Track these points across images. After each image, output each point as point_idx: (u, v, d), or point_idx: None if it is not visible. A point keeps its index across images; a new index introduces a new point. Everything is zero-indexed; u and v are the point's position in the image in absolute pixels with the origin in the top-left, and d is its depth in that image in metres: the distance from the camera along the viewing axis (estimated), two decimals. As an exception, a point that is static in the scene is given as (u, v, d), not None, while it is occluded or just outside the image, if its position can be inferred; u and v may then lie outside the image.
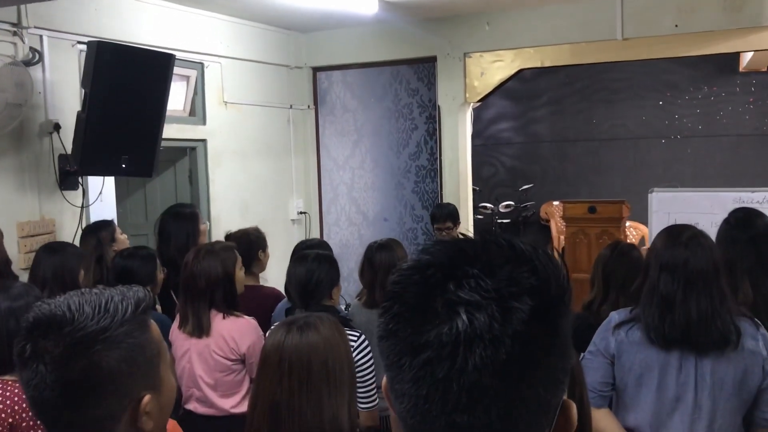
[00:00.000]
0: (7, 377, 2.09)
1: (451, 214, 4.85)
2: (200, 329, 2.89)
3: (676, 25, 5.18)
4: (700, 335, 2.11)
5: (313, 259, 2.91)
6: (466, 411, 0.68)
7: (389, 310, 0.73)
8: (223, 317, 2.94)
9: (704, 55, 6.12)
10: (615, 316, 2.32)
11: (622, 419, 2.28)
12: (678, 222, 4.93)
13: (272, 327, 2.84)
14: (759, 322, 2.20)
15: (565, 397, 0.75)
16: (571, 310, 0.75)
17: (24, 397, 1.98)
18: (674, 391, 2.17)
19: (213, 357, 2.92)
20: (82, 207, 4.26)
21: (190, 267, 2.93)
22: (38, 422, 1.96)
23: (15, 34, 3.94)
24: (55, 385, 1.02)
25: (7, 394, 2.04)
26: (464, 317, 0.67)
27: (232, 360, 2.93)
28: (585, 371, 2.30)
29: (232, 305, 2.99)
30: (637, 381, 2.22)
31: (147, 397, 1.09)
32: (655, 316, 2.17)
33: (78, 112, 3.98)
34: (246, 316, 3.02)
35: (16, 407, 2.01)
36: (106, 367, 1.03)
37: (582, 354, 2.32)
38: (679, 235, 2.22)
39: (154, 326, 1.15)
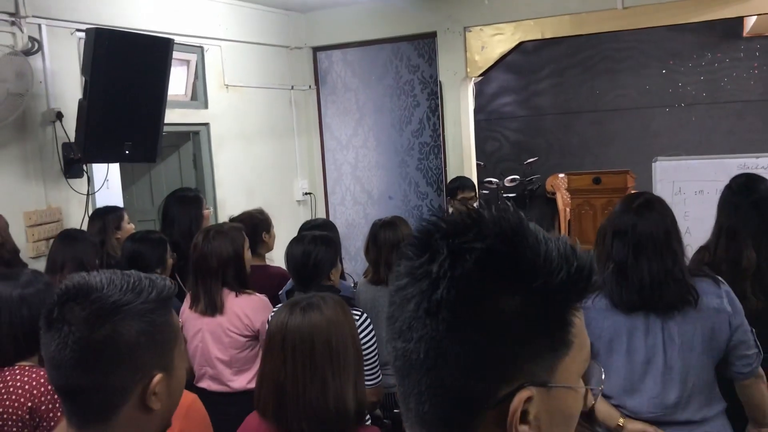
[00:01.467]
0: (24, 363, 2.13)
1: (472, 184, 4.99)
2: (213, 307, 2.94)
3: (677, -8, 5.14)
4: (655, 297, 2.16)
5: (310, 241, 2.93)
6: (402, 338, 0.74)
7: (403, 288, 0.77)
8: (236, 295, 2.99)
9: (707, 21, 6.06)
10: None
11: None
12: (683, 191, 4.95)
13: (275, 308, 2.89)
14: (721, 279, 2.24)
15: (528, 392, 0.71)
16: (514, 285, 0.72)
17: (42, 381, 2.03)
18: (644, 354, 2.21)
19: (227, 334, 2.96)
20: (88, 194, 4.29)
21: (200, 248, 2.97)
22: (57, 406, 2.02)
23: (13, 23, 3.94)
24: (75, 345, 1.06)
25: (26, 379, 2.08)
26: (435, 264, 0.72)
27: (246, 336, 2.97)
28: None
29: (243, 284, 3.04)
30: (607, 347, 2.25)
31: (158, 376, 1.12)
32: (612, 282, 2.21)
33: (80, 99, 3.99)
34: (258, 294, 3.06)
35: (35, 392, 2.05)
36: (126, 336, 1.08)
37: None
38: (630, 203, 2.27)
39: (174, 315, 1.19)
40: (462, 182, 5.05)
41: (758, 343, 2.23)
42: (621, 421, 2.24)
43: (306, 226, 3.79)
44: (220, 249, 2.97)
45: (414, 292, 0.73)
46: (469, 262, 0.71)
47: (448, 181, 5.76)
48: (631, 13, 5.34)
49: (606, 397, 2.29)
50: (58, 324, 1.08)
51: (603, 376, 0.84)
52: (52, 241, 3.98)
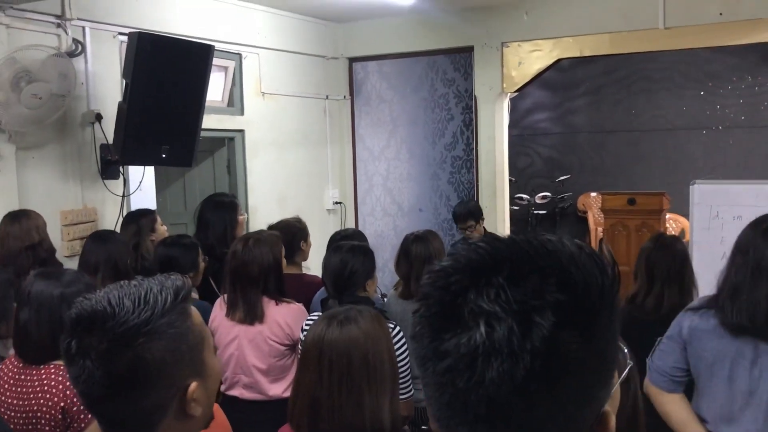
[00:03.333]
0: (60, 362, 2.13)
1: (471, 213, 4.81)
2: (254, 316, 2.93)
3: (721, 13, 5.06)
4: (767, 325, 2.04)
5: (347, 250, 2.91)
6: (486, 423, 0.66)
7: (418, 311, 0.72)
8: (276, 304, 2.99)
9: (748, 44, 5.97)
10: (696, 302, 2.29)
11: (697, 408, 2.23)
12: (720, 215, 4.86)
13: (311, 319, 2.87)
14: None
15: (607, 407, 0.72)
16: (615, 318, 0.70)
17: None
18: (747, 384, 2.10)
19: (267, 343, 2.96)
20: (123, 196, 4.33)
21: (240, 255, 2.97)
22: None
23: (59, 26, 4.01)
24: (102, 380, 1.03)
25: (60, 378, 2.08)
26: (482, 329, 0.64)
27: (286, 345, 2.97)
28: (660, 355, 2.26)
29: (282, 292, 3.03)
30: (709, 369, 2.16)
31: (194, 384, 1.10)
32: (726, 301, 2.11)
33: (119, 102, 4.04)
34: (296, 303, 3.06)
35: (68, 392, 2.05)
36: (150, 359, 1.04)
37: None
38: (760, 223, 2.16)
39: (195, 313, 1.15)
40: (455, 215, 4.90)
41: None
42: None
43: (336, 237, 3.78)
44: (261, 257, 2.96)
45: (483, 376, 0.65)
46: (544, 327, 0.64)
47: (480, 197, 5.74)
48: (672, 33, 5.27)
49: (702, 420, 2.21)
50: (78, 359, 1.04)
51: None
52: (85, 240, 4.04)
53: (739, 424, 2.12)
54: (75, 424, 2.04)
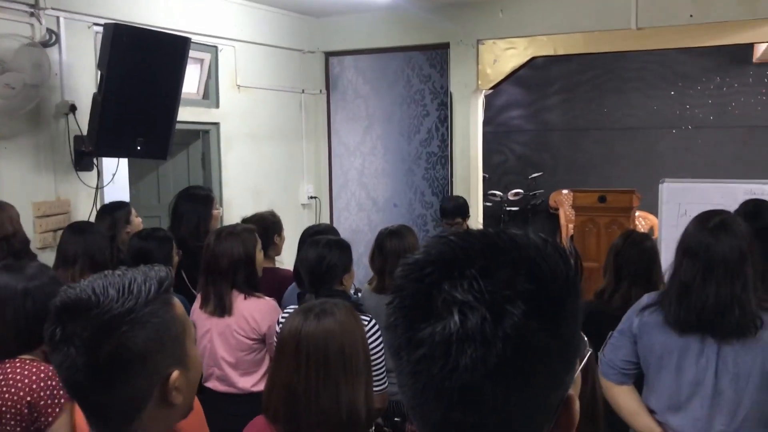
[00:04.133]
0: (25, 356, 2.12)
1: (459, 209, 4.86)
2: (222, 309, 2.94)
3: (691, 15, 5.16)
4: (715, 321, 2.10)
5: (325, 244, 2.92)
6: (460, 409, 0.69)
7: (392, 303, 0.74)
8: (245, 298, 3.00)
9: (717, 46, 6.10)
10: (645, 299, 2.34)
11: (646, 399, 2.31)
12: (688, 213, 4.97)
13: (287, 312, 2.89)
14: None
15: (570, 391, 0.75)
16: (578, 307, 0.74)
17: (42, 376, 2.02)
18: (693, 375, 2.16)
19: (235, 336, 2.97)
20: (97, 188, 4.30)
21: (212, 248, 2.98)
22: (56, 402, 2.01)
23: (32, 15, 3.96)
24: (85, 367, 1.04)
25: (26, 372, 2.07)
26: (456, 318, 0.67)
27: (253, 339, 2.98)
28: (610, 348, 2.33)
29: (253, 286, 3.04)
30: (657, 362, 2.23)
31: (176, 373, 1.11)
32: (673, 300, 2.17)
33: (94, 93, 4.01)
34: (266, 297, 3.07)
35: (34, 386, 2.04)
36: (134, 348, 1.06)
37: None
38: (706, 221, 2.20)
39: (177, 304, 1.17)
40: (443, 210, 4.94)
41: None
42: None
43: (308, 232, 3.80)
44: (231, 250, 2.97)
45: (457, 362, 0.68)
46: (515, 315, 0.68)
47: (454, 193, 5.80)
48: (644, 34, 5.37)
49: (651, 411, 2.28)
50: (62, 347, 1.06)
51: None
52: (58, 232, 4.00)
53: (686, 412, 2.19)
54: (42, 419, 2.03)
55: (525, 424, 0.71)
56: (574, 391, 0.77)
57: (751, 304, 2.09)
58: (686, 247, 2.19)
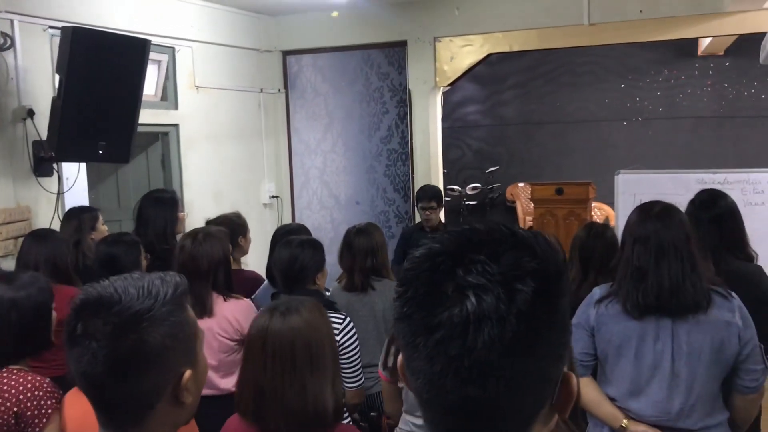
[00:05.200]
0: (12, 366, 2.11)
1: (435, 195, 5.00)
2: (203, 310, 2.91)
3: (641, 11, 5.33)
4: (672, 299, 2.22)
5: (297, 245, 2.94)
6: (477, 384, 0.74)
7: (404, 294, 0.79)
8: (224, 299, 2.99)
9: (665, 40, 6.29)
10: (597, 291, 2.43)
11: (605, 389, 2.40)
12: (643, 202, 5.13)
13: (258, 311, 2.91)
14: (734, 294, 2.30)
15: (565, 369, 0.82)
16: (568, 289, 0.82)
17: (29, 386, 2.01)
18: (652, 359, 2.27)
19: (217, 339, 2.96)
20: (58, 194, 4.24)
21: (189, 249, 2.95)
22: (43, 412, 2.01)
23: (-14, 19, 3.88)
24: (106, 360, 1.08)
25: (12, 383, 2.06)
26: (473, 299, 0.73)
27: (235, 341, 2.98)
28: None
29: (230, 287, 3.04)
30: (616, 352, 2.32)
31: (188, 372, 1.16)
32: (630, 286, 2.27)
33: (53, 98, 3.95)
34: (244, 298, 3.08)
35: (21, 396, 2.03)
36: (152, 343, 1.10)
37: None
38: (650, 210, 2.32)
39: (190, 309, 1.21)
40: (423, 192, 5.12)
41: (765, 359, 2.29)
42: (625, 422, 2.30)
43: (281, 231, 3.81)
44: (212, 251, 2.96)
45: (475, 341, 0.73)
46: (526, 292, 0.74)
47: (417, 188, 5.86)
48: (596, 29, 5.51)
49: (611, 399, 2.36)
50: (83, 341, 1.09)
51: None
52: (19, 240, 3.93)
53: (646, 395, 2.29)
54: (29, 429, 2.02)
55: (534, 397, 0.78)
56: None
57: (702, 282, 2.23)
58: (636, 235, 2.30)
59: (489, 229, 0.80)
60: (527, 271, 0.75)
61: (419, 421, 2.54)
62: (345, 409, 1.98)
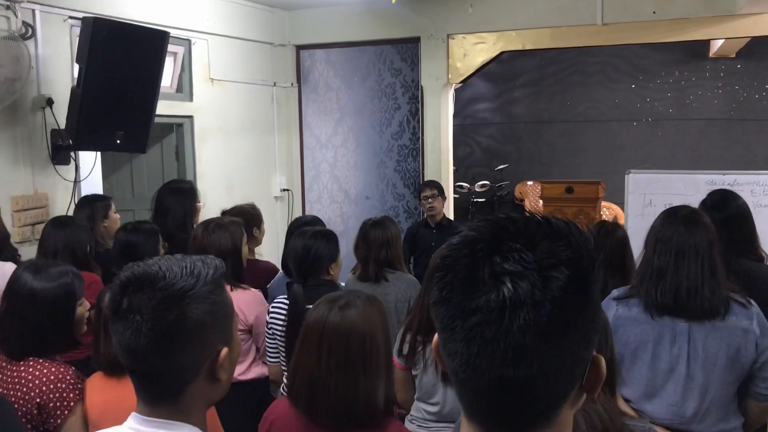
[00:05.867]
0: (40, 358, 2.13)
1: (436, 184, 5.15)
2: None
3: (654, 12, 5.35)
4: (688, 302, 2.25)
5: (311, 235, 3.00)
6: (511, 366, 0.78)
7: (442, 279, 0.83)
8: (231, 289, 3.03)
9: (676, 41, 6.32)
10: (615, 293, 2.46)
11: (621, 390, 2.40)
12: (653, 203, 5.16)
13: (278, 301, 2.96)
14: (752, 301, 2.31)
15: (594, 352, 0.86)
16: (600, 277, 0.85)
17: (52, 378, 2.04)
18: (668, 363, 2.30)
19: None
20: (75, 182, 4.30)
21: (199, 240, 3.01)
22: (66, 404, 2.05)
23: (8, 8, 3.93)
24: (150, 332, 1.13)
25: (36, 374, 2.08)
26: (509, 285, 0.77)
27: (240, 331, 3.02)
28: None
29: (239, 278, 3.08)
30: (632, 354, 2.36)
31: (225, 350, 1.21)
32: (649, 285, 2.31)
33: (72, 87, 4.00)
34: (252, 288, 3.12)
35: (44, 388, 2.06)
36: (193, 319, 1.15)
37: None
38: (676, 213, 2.37)
39: (227, 291, 1.28)
40: (423, 183, 5.34)
41: None
42: None
43: (296, 224, 3.87)
44: (220, 242, 3.02)
45: (511, 325, 0.77)
46: (560, 279, 0.78)
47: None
48: (609, 29, 5.54)
49: (625, 400, 2.37)
50: (128, 314, 1.14)
51: None
52: (37, 226, 4.00)
53: (660, 398, 2.32)
54: (51, 420, 2.05)
55: (564, 378, 0.82)
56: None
57: (720, 289, 2.25)
58: (659, 235, 2.34)
59: (525, 218, 0.84)
60: (561, 260, 0.79)
61: (433, 408, 2.58)
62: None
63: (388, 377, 1.87)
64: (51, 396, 2.05)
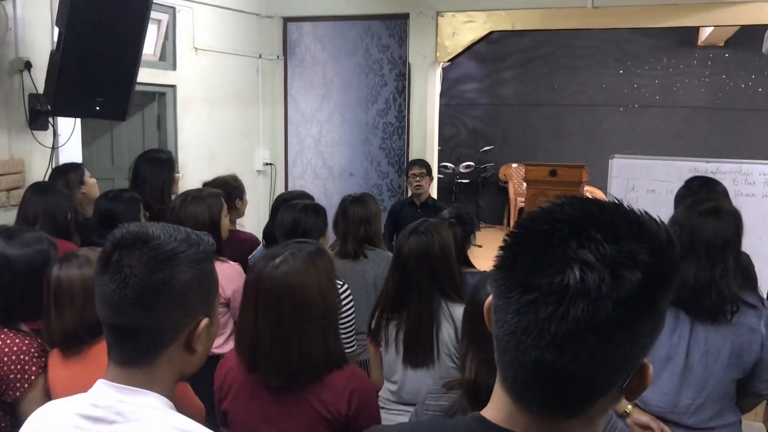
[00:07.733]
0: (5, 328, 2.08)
1: (424, 163, 5.15)
2: None
3: (646, -4, 5.32)
4: (692, 299, 2.17)
5: (300, 209, 2.98)
6: (556, 351, 0.76)
7: (512, 246, 0.81)
8: None
9: (666, 28, 6.29)
10: None
11: None
12: (636, 188, 5.16)
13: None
14: (764, 300, 2.24)
15: (646, 360, 0.82)
16: (675, 286, 0.81)
17: (15, 349, 1.99)
18: (666, 350, 2.24)
19: None
20: (53, 148, 4.21)
21: (176, 212, 2.97)
22: (26, 377, 1.99)
23: (-14, -34, 3.82)
24: (136, 286, 1.13)
25: (0, 344, 2.03)
26: (576, 273, 0.74)
27: (218, 304, 2.99)
28: None
29: (217, 251, 3.03)
30: None
31: (205, 321, 1.21)
32: None
33: (52, 51, 3.90)
34: (230, 261, 3.08)
35: (6, 359, 2.00)
36: (181, 280, 1.16)
37: None
38: (699, 204, 2.26)
39: (215, 267, 1.28)
40: (411, 161, 5.36)
41: None
42: (629, 408, 2.28)
43: (282, 198, 3.82)
44: (196, 214, 2.97)
45: (567, 312, 0.74)
46: (631, 282, 0.74)
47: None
48: (600, 12, 5.50)
49: None
50: (116, 266, 1.14)
51: None
52: (12, 192, 3.92)
53: (655, 386, 2.25)
54: (11, 392, 2.00)
55: (606, 377, 0.79)
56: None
57: (729, 291, 2.15)
58: (674, 224, 2.23)
59: (614, 208, 0.80)
60: (638, 263, 0.75)
61: (392, 387, 2.58)
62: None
63: (331, 332, 1.86)
64: (12, 368, 2.00)
